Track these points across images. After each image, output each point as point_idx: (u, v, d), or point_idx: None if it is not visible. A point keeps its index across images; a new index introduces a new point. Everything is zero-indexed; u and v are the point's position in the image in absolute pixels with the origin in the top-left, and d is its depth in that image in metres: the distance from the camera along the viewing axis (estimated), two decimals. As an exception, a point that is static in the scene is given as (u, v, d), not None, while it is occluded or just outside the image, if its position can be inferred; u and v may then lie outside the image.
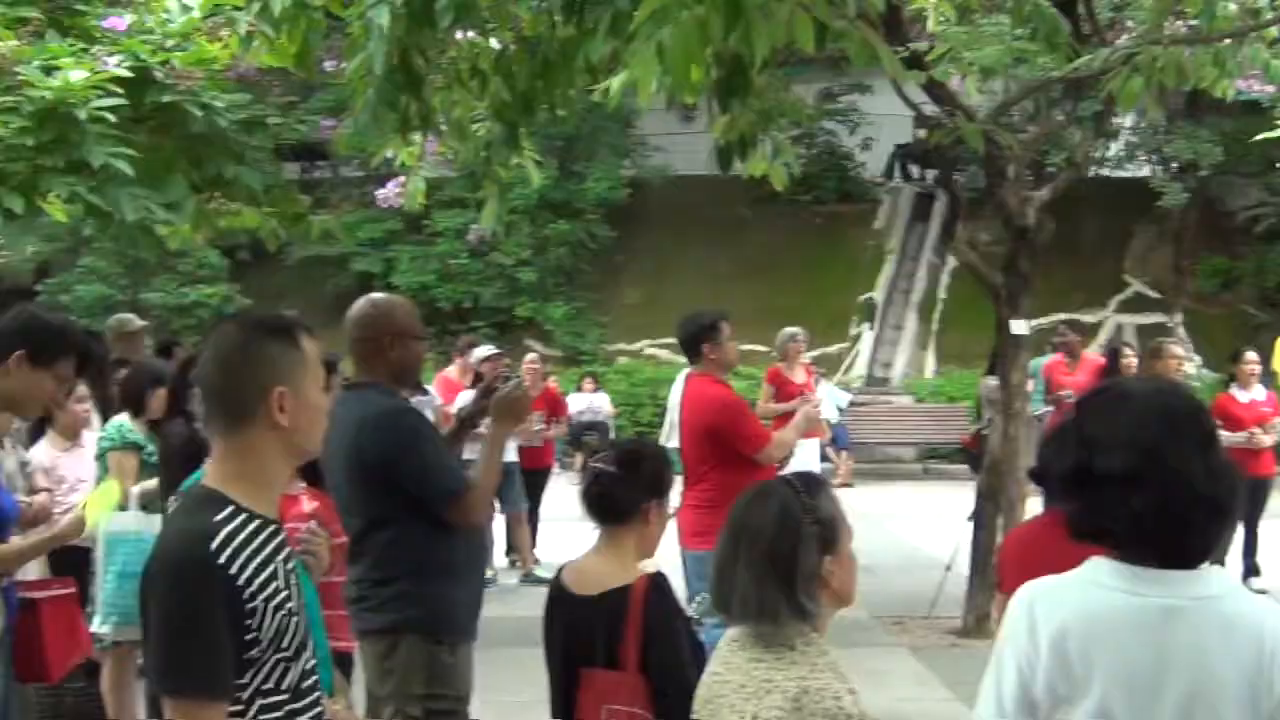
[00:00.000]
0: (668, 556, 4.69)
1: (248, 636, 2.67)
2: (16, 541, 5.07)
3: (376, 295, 5.14)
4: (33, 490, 5.83)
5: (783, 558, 3.06)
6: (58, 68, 7.22)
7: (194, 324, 24.12)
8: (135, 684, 7.09)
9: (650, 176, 26.99)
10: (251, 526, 2.73)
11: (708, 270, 24.45)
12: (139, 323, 9.73)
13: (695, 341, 7.15)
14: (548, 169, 17.63)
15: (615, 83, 5.52)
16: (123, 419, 6.87)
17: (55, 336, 4.37)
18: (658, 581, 3.84)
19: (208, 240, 12.85)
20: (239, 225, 9.65)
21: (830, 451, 19.10)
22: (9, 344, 4.22)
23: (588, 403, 20.59)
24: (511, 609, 9.04)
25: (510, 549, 12.15)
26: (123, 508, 6.50)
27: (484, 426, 5.09)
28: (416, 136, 8.33)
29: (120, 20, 7.83)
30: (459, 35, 7.30)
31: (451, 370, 12.28)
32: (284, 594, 2.74)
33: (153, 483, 6.35)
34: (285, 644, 2.74)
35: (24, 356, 4.22)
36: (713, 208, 25.66)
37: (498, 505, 10.27)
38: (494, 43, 7.39)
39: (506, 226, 21.83)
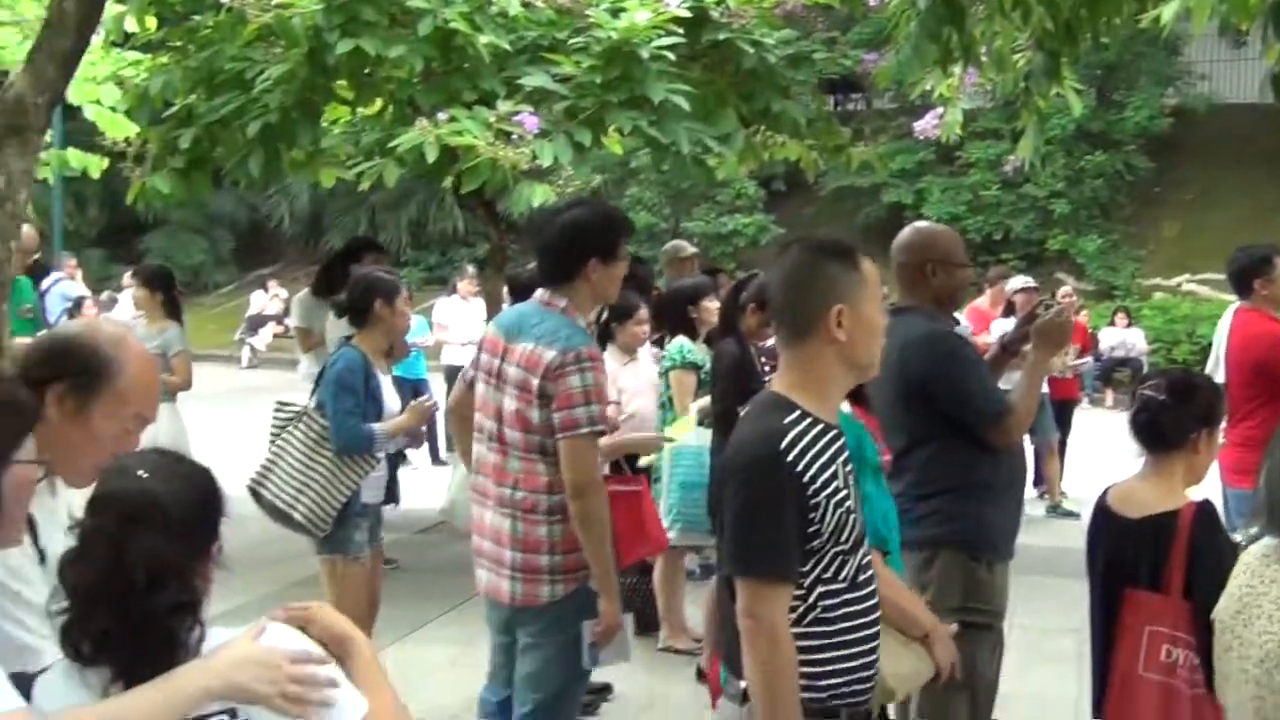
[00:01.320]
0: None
1: (810, 529, 2.94)
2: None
3: (922, 223, 5.30)
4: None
5: None
6: (624, 9, 7.74)
7: (730, 252, 25.04)
8: (684, 584, 7.66)
9: (1194, 105, 25.75)
10: (815, 430, 2.99)
11: (1254, 203, 23.14)
12: (690, 250, 10.25)
13: (1246, 276, 6.92)
14: (1086, 99, 17.21)
15: (1168, 10, 5.42)
16: (683, 340, 7.33)
17: (609, 227, 4.64)
18: (1206, 508, 3.85)
19: (749, 172, 13.34)
20: (782, 156, 10.01)
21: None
22: (579, 256, 4.53)
23: (1120, 338, 20.01)
24: (1037, 538, 9.06)
25: (1038, 479, 12.09)
26: (682, 423, 7.04)
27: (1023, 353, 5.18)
28: (956, 68, 8.38)
29: (682, -38, 8.26)
30: (1004, -35, 7.29)
31: (982, 301, 12.28)
32: (843, 493, 2.99)
33: (708, 400, 6.78)
34: (844, 538, 2.99)
35: (597, 262, 4.55)
36: (1262, 138, 24.23)
37: (1026, 435, 10.25)
38: (1039, -29, 7.34)
39: (1042, 158, 21.42)
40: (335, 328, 7.71)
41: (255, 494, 5.91)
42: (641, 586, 7.56)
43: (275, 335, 24.47)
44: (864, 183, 22.92)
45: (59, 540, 2.57)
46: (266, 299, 25.71)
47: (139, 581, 2.21)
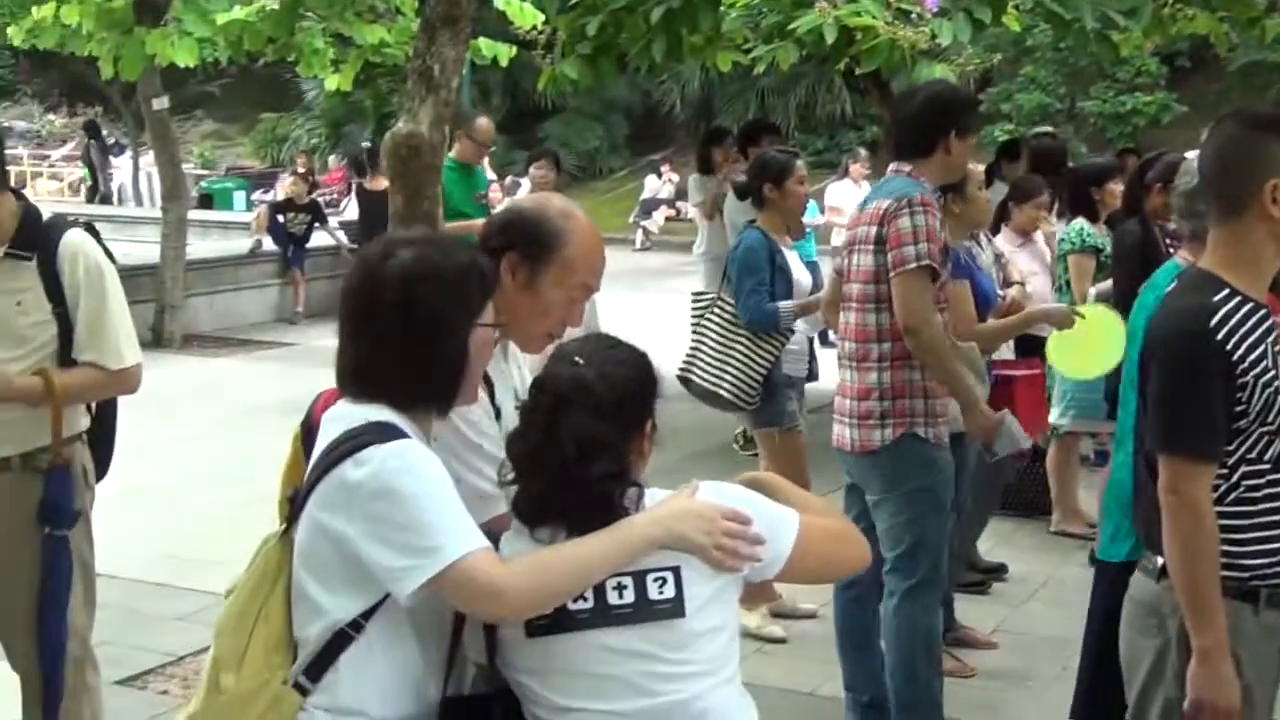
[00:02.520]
0: None
1: (1237, 409, 2.91)
2: (993, 323, 5.65)
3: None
4: (1007, 282, 6.31)
5: None
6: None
7: (1129, 131, 24.09)
8: (1077, 469, 7.58)
9: None
10: (1245, 309, 2.94)
11: None
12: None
13: None
14: None
15: None
16: (1081, 222, 7.19)
17: (967, 103, 4.93)
18: None
19: (1152, 47, 12.81)
20: (1190, 30, 9.59)
21: None
22: (939, 129, 4.68)
23: None
24: None
25: None
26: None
27: None
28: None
29: None
30: None
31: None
32: (1272, 373, 2.93)
33: (1108, 284, 6.64)
34: (1270, 418, 2.94)
35: (955, 136, 4.69)
36: None
37: None
38: None
39: None
40: (736, 210, 7.93)
41: (685, 381, 6.23)
42: (1035, 471, 7.53)
43: (667, 218, 25.01)
44: (1276, 57, 21.61)
45: (510, 404, 2.80)
46: (659, 183, 26.27)
47: (569, 454, 2.42)
